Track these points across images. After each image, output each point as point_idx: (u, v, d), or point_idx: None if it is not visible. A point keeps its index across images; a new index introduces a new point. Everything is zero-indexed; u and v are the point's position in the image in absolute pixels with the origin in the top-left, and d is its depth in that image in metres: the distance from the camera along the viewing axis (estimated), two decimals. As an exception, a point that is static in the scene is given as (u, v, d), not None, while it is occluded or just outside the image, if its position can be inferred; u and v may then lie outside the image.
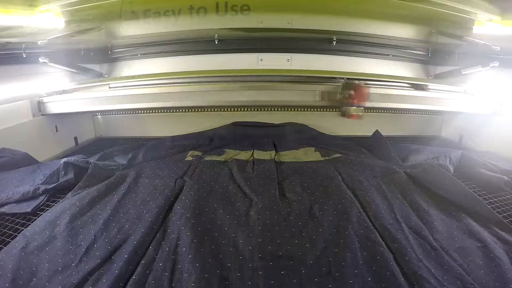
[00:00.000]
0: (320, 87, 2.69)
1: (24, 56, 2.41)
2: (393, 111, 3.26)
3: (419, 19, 3.00)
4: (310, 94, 2.71)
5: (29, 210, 1.77)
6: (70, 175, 2.07)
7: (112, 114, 3.46)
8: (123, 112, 3.41)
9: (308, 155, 2.61)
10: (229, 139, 3.04)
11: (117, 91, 2.83)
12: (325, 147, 2.77)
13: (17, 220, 1.71)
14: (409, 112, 3.27)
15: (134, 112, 3.36)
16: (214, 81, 2.77)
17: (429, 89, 2.80)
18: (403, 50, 3.22)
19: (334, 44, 3.02)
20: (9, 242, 1.47)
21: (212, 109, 3.32)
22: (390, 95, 2.71)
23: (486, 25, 2.46)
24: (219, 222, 1.60)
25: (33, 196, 1.87)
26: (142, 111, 3.34)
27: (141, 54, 3.25)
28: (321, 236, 1.47)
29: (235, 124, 3.31)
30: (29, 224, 1.63)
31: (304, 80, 2.75)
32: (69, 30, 2.72)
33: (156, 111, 3.33)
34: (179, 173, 2.18)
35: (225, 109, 3.28)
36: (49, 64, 2.60)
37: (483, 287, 1.20)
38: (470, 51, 2.77)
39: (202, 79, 2.80)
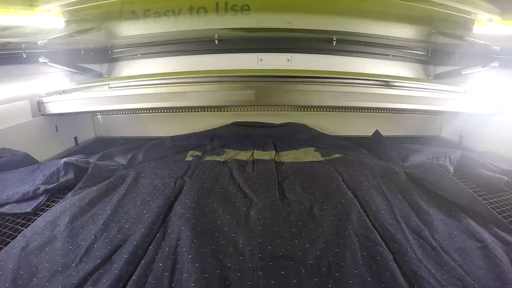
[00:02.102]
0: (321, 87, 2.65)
1: (24, 56, 2.41)
2: (393, 111, 3.25)
3: (419, 19, 2.99)
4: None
5: (29, 210, 1.77)
6: (70, 175, 2.07)
7: (112, 114, 3.45)
8: (123, 112, 3.39)
9: (308, 155, 2.61)
10: (229, 139, 3.04)
11: (116, 91, 2.80)
12: (325, 147, 2.77)
13: (17, 220, 1.71)
14: (409, 112, 3.25)
15: (134, 112, 3.35)
16: (214, 81, 2.74)
17: (429, 89, 2.77)
18: (403, 50, 3.23)
19: (334, 44, 3.03)
20: (9, 242, 1.47)
21: (212, 109, 3.29)
22: (390, 95, 2.68)
23: (486, 25, 2.46)
24: (219, 222, 1.60)
25: (33, 196, 1.88)
26: (142, 111, 3.32)
27: (141, 54, 3.25)
28: (321, 236, 1.47)
29: (235, 124, 3.32)
30: (29, 224, 1.63)
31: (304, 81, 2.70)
32: (69, 30, 2.72)
33: (156, 111, 3.31)
34: (179, 173, 2.18)
35: (225, 109, 3.26)
36: (49, 64, 2.60)
37: (483, 287, 1.20)
38: (470, 51, 2.77)
39: (202, 79, 2.75)
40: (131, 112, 3.38)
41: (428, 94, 2.73)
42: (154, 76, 2.93)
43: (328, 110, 3.18)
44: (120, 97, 2.77)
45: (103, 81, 3.06)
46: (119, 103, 2.80)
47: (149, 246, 1.42)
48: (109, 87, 2.82)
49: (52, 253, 1.38)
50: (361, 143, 2.94)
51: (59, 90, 2.86)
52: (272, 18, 2.96)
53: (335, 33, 3.01)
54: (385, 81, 2.74)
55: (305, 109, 3.27)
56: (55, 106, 2.81)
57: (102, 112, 3.40)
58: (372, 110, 3.19)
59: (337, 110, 3.14)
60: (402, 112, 3.25)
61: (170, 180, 2.05)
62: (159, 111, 3.33)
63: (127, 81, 2.89)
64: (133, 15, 2.99)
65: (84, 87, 2.90)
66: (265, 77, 2.73)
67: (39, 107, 2.78)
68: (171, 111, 3.29)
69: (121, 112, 3.40)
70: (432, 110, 3.11)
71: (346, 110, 3.15)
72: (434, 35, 3.10)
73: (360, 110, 3.24)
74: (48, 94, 2.81)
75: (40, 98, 2.77)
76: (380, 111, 3.24)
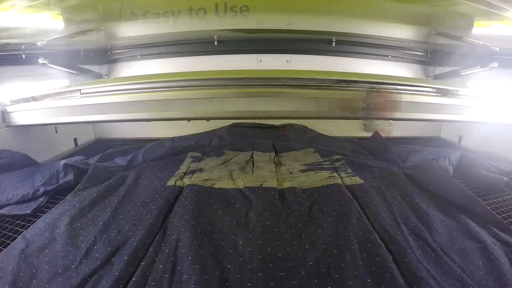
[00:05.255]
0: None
1: (23, 57, 2.41)
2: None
3: (418, 20, 3.00)
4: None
5: (28, 211, 1.77)
6: (70, 177, 2.06)
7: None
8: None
9: (308, 156, 2.61)
10: (229, 141, 3.04)
11: (90, 99, 2.21)
12: (324, 148, 2.77)
13: (17, 221, 1.70)
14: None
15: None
16: (208, 85, 2.12)
17: (454, 94, 2.19)
18: (403, 51, 3.23)
19: (333, 45, 3.03)
20: (9, 244, 1.47)
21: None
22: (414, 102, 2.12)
23: (486, 26, 2.47)
24: (219, 224, 1.60)
25: (33, 198, 1.87)
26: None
27: (140, 55, 3.26)
28: (320, 237, 1.47)
29: (235, 125, 3.32)
30: (29, 226, 1.62)
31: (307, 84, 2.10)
32: (69, 31, 2.72)
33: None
34: (179, 174, 2.18)
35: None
36: (48, 65, 2.59)
37: (482, 288, 1.20)
38: (470, 51, 2.77)
39: (192, 83, 2.14)
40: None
41: (452, 101, 2.17)
42: (137, 79, 2.42)
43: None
44: (93, 106, 2.18)
45: (74, 86, 2.45)
46: (92, 114, 2.20)
47: (149, 248, 1.42)
48: (81, 93, 2.24)
49: (52, 255, 1.38)
50: (360, 144, 2.94)
51: (28, 97, 2.39)
52: (272, 19, 2.96)
53: (335, 34, 3.02)
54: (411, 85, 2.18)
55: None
56: (22, 116, 2.38)
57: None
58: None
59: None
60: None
61: (169, 181, 2.05)
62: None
63: (100, 86, 2.31)
64: (133, 16, 3.00)
65: (55, 92, 2.38)
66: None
67: (3, 118, 2.40)
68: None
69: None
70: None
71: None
72: (433, 35, 3.11)
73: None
74: (13, 102, 2.41)
75: (4, 107, 2.39)
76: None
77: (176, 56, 3.18)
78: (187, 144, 2.93)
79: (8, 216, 1.75)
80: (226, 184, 2.04)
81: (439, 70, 3.30)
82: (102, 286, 1.20)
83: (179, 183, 2.04)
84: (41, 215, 1.71)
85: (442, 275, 1.25)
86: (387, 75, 2.96)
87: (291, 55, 3.10)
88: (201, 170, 2.28)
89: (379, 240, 1.44)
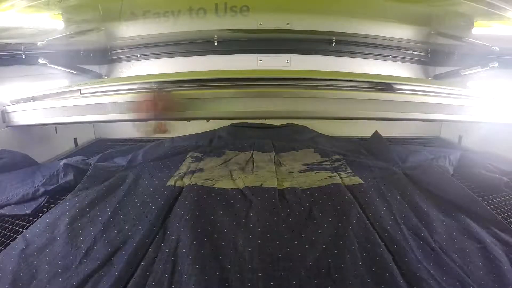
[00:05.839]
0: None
1: (23, 57, 2.41)
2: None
3: (418, 20, 3.00)
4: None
5: (28, 211, 1.77)
6: (70, 177, 2.07)
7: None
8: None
9: (308, 156, 2.61)
10: (229, 140, 3.04)
11: (89, 98, 2.16)
12: (324, 148, 2.77)
13: (17, 221, 1.70)
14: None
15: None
16: (208, 85, 2.05)
17: (454, 94, 2.17)
18: (403, 51, 3.23)
19: (333, 45, 3.03)
20: (9, 243, 1.47)
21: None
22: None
23: (486, 26, 2.47)
24: (219, 224, 1.60)
25: (33, 198, 1.87)
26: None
27: (140, 55, 3.25)
28: (320, 237, 1.47)
29: (235, 125, 3.32)
30: (29, 226, 1.62)
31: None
32: (69, 31, 2.72)
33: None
34: (179, 174, 2.18)
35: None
36: (48, 65, 2.59)
37: (482, 288, 1.20)
38: (470, 51, 2.77)
39: (192, 84, 2.08)
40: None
41: (449, 101, 2.13)
42: (137, 79, 2.33)
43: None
44: (93, 106, 2.14)
45: (74, 86, 2.42)
46: (92, 114, 2.16)
47: (149, 248, 1.42)
48: (81, 93, 2.20)
49: (52, 255, 1.38)
50: (360, 144, 2.94)
51: (28, 97, 2.38)
52: (272, 19, 2.96)
53: (335, 34, 3.02)
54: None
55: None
56: (22, 116, 2.38)
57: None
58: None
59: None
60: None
61: (169, 181, 2.05)
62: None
63: (100, 86, 2.27)
64: (133, 16, 2.99)
65: (55, 92, 2.36)
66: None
67: (3, 118, 2.40)
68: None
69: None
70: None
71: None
72: (433, 35, 3.10)
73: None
74: (13, 102, 2.40)
75: (4, 107, 2.39)
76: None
77: (176, 56, 3.18)
78: (187, 144, 2.93)
79: (8, 216, 1.75)
80: (226, 184, 2.04)
81: (439, 70, 3.30)
82: (102, 286, 1.20)
83: (179, 183, 2.04)
84: (41, 215, 1.71)
85: (442, 275, 1.25)
86: (387, 75, 2.96)
87: (291, 55, 3.10)
88: (201, 170, 2.29)
89: (379, 240, 1.44)
